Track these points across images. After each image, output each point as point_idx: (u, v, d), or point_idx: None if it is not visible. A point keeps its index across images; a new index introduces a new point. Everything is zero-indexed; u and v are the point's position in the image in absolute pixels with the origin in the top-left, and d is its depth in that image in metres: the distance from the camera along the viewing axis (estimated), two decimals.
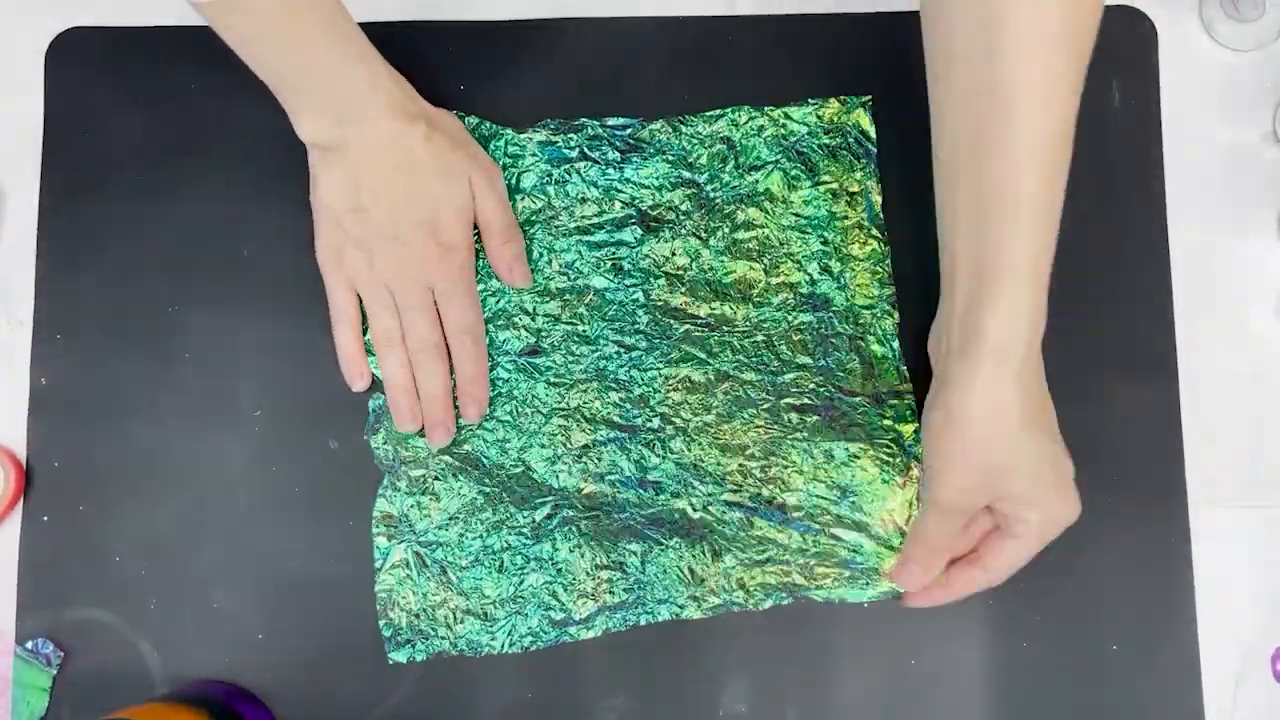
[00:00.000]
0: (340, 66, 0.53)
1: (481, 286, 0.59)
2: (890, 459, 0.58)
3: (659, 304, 0.58)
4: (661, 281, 0.59)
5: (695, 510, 0.57)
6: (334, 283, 0.57)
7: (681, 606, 0.57)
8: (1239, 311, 0.60)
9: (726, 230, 0.59)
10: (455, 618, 0.57)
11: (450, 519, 0.57)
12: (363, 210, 0.55)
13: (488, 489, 0.57)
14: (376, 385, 0.58)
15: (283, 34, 0.51)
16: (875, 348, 0.58)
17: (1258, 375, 0.60)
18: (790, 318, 0.59)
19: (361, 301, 0.58)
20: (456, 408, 0.58)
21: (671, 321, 0.58)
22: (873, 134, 0.60)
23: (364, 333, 0.58)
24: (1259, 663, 0.57)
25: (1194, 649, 0.57)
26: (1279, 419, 0.59)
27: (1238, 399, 0.59)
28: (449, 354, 0.57)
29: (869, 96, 0.60)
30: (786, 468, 0.57)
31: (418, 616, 0.57)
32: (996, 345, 0.49)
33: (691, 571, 0.57)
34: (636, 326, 0.58)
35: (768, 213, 0.59)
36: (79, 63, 0.60)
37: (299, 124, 0.54)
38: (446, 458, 0.58)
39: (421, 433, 0.57)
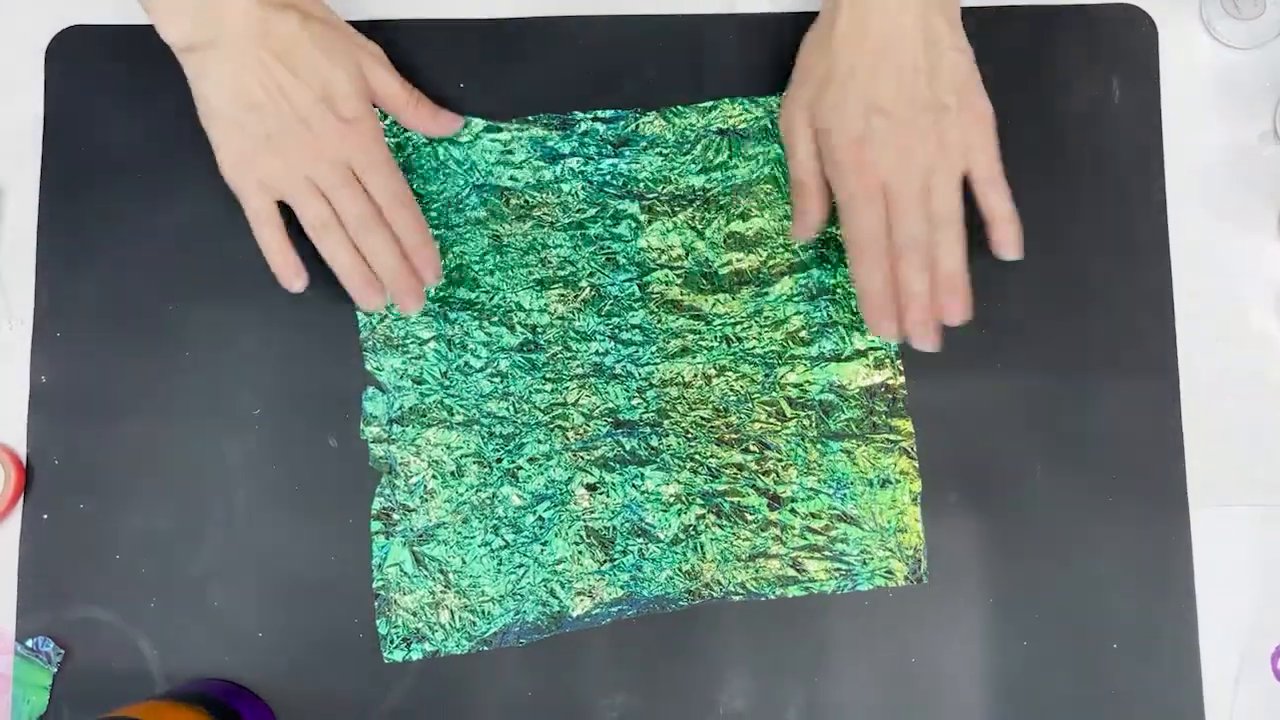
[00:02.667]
0: None
1: (477, 281, 0.59)
2: (883, 453, 0.58)
3: (655, 297, 0.58)
4: (657, 274, 0.59)
5: (691, 505, 0.57)
6: (248, 189, 0.55)
7: (677, 600, 0.57)
8: (1239, 311, 0.60)
9: (722, 222, 0.59)
10: (453, 615, 0.57)
11: (448, 516, 0.57)
12: (257, 106, 0.54)
13: (486, 487, 0.57)
14: (365, 379, 0.58)
15: None
16: (871, 339, 0.58)
17: (1258, 375, 0.59)
18: (786, 308, 0.59)
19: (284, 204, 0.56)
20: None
21: (667, 314, 0.58)
22: None
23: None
24: (1259, 662, 0.57)
25: (1194, 648, 0.57)
26: (1279, 419, 0.59)
27: (1238, 399, 0.59)
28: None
29: None
30: (781, 461, 0.58)
31: (415, 615, 0.57)
32: None
33: (687, 567, 0.57)
34: (632, 320, 0.58)
35: (762, 203, 0.59)
36: (79, 62, 0.60)
37: (160, 26, 0.53)
38: (444, 456, 0.58)
39: (394, 314, 0.58)
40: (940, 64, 0.53)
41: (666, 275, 0.59)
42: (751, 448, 0.58)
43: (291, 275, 0.56)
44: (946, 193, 0.53)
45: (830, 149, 0.54)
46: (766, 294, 0.59)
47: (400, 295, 0.56)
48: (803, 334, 0.58)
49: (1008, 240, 0.54)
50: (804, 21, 0.61)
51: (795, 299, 0.59)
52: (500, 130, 0.59)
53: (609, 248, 0.59)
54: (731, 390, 0.58)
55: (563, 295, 0.58)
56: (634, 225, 0.59)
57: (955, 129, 0.53)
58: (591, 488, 0.57)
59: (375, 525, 0.57)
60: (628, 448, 0.58)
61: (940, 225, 0.53)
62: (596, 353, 0.58)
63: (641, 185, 0.59)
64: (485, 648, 0.57)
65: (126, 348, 0.59)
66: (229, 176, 0.55)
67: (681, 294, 0.58)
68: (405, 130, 0.59)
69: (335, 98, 0.55)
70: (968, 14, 0.60)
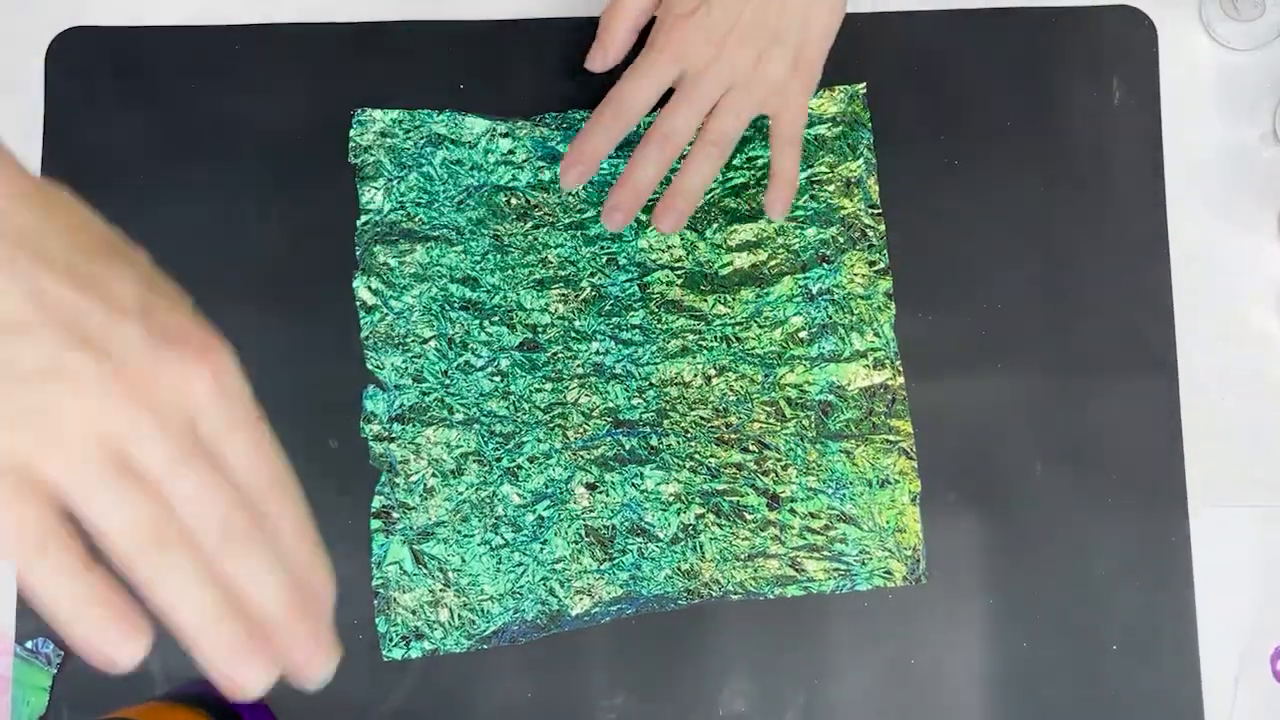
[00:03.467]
0: None
1: (478, 280, 0.59)
2: (882, 453, 0.58)
3: (655, 297, 0.58)
4: (658, 275, 0.59)
5: (690, 504, 0.57)
6: None
7: (676, 599, 0.57)
8: (1239, 311, 0.60)
9: (722, 222, 0.59)
10: (452, 613, 0.57)
11: (448, 515, 0.57)
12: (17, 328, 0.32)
13: (486, 485, 0.58)
14: (366, 379, 0.58)
15: None
16: (871, 339, 0.58)
17: (1258, 375, 0.59)
18: (786, 309, 0.59)
19: None
20: None
21: (667, 315, 0.58)
22: (868, 121, 0.60)
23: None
24: (1258, 662, 0.57)
25: (1194, 649, 0.57)
26: (1279, 419, 0.59)
27: (1238, 399, 0.59)
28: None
29: (863, 85, 0.60)
30: (780, 461, 0.58)
31: (414, 613, 0.57)
32: None
33: (686, 566, 0.57)
34: (632, 320, 0.58)
35: (763, 204, 0.59)
36: (79, 63, 0.60)
37: None
38: (444, 454, 0.58)
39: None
40: (798, 5, 0.53)
41: (667, 275, 0.59)
42: (751, 447, 0.58)
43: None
44: (734, 117, 0.54)
45: (664, 10, 0.54)
46: (767, 295, 0.59)
47: (283, 664, 0.34)
48: (802, 334, 0.58)
49: (782, 201, 0.55)
50: None
51: (795, 299, 0.59)
52: (501, 130, 0.60)
53: (610, 248, 0.59)
54: (731, 390, 0.58)
55: (563, 295, 0.59)
56: (634, 226, 0.59)
57: (778, 67, 0.53)
58: (591, 487, 0.57)
59: (375, 523, 0.57)
60: (627, 447, 0.58)
61: (709, 143, 0.54)
62: (597, 352, 0.58)
63: None
64: (484, 646, 0.57)
65: None
66: None
67: (682, 294, 0.59)
68: (408, 126, 0.59)
69: (125, 306, 0.32)
70: (968, 15, 0.61)
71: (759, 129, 0.59)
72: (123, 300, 0.32)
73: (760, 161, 0.59)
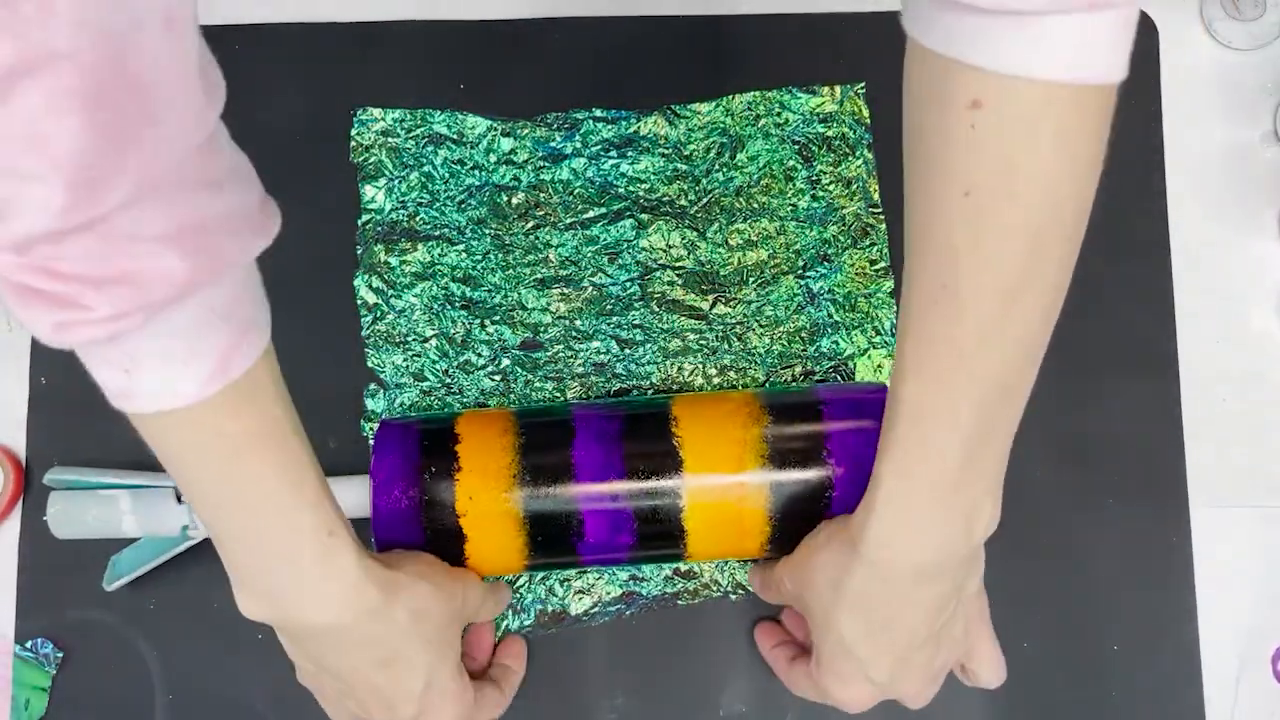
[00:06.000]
0: (289, 538, 0.43)
1: (479, 280, 0.59)
2: None
3: (656, 297, 0.58)
4: (659, 274, 0.59)
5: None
6: None
7: (676, 599, 0.57)
8: (1240, 311, 0.60)
9: (724, 222, 0.59)
10: None
11: None
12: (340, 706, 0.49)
13: None
14: (367, 378, 0.58)
15: (221, 475, 0.41)
16: (872, 338, 0.58)
17: (1258, 375, 0.59)
18: (788, 308, 0.59)
19: None
20: None
21: (668, 314, 0.58)
22: (868, 119, 0.60)
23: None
24: (1259, 662, 0.57)
25: (1194, 649, 0.57)
26: (1279, 419, 0.59)
27: (1238, 399, 0.59)
28: None
29: (862, 84, 0.60)
30: None
31: None
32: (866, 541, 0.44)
33: (686, 567, 0.57)
34: (633, 320, 0.58)
35: (765, 203, 0.59)
36: None
37: (237, 595, 0.44)
38: None
39: None
40: (952, 622, 0.48)
41: (668, 275, 0.59)
42: None
43: None
44: (923, 699, 0.49)
45: (816, 666, 0.49)
46: (768, 294, 0.59)
47: None
48: (803, 334, 0.58)
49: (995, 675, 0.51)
50: (805, 22, 0.61)
51: (796, 298, 0.59)
52: (503, 130, 0.59)
53: (611, 248, 0.59)
54: (733, 389, 0.58)
55: (564, 295, 0.59)
56: (636, 225, 0.59)
57: (954, 648, 0.49)
58: None
59: None
60: None
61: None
62: (597, 352, 0.58)
63: (644, 185, 0.59)
64: None
65: None
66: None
67: (683, 294, 0.59)
68: (409, 125, 0.59)
69: (430, 709, 0.47)
70: None
71: (760, 128, 0.59)
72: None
73: (762, 160, 0.59)
